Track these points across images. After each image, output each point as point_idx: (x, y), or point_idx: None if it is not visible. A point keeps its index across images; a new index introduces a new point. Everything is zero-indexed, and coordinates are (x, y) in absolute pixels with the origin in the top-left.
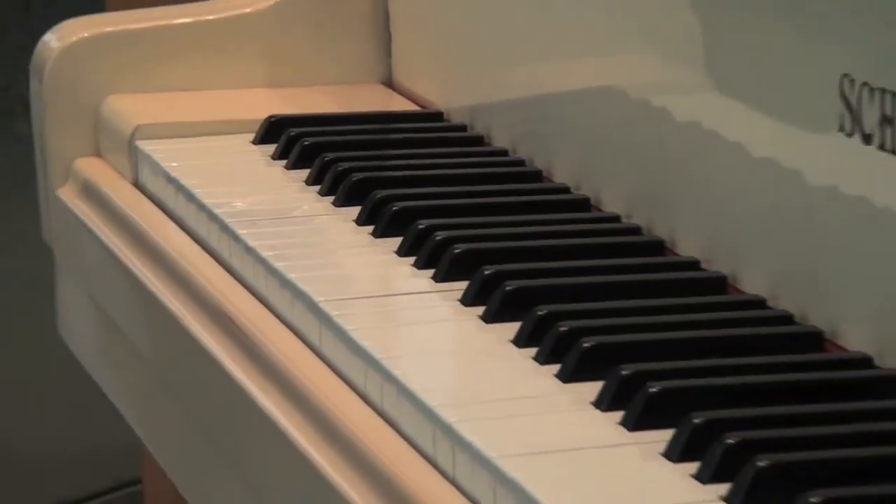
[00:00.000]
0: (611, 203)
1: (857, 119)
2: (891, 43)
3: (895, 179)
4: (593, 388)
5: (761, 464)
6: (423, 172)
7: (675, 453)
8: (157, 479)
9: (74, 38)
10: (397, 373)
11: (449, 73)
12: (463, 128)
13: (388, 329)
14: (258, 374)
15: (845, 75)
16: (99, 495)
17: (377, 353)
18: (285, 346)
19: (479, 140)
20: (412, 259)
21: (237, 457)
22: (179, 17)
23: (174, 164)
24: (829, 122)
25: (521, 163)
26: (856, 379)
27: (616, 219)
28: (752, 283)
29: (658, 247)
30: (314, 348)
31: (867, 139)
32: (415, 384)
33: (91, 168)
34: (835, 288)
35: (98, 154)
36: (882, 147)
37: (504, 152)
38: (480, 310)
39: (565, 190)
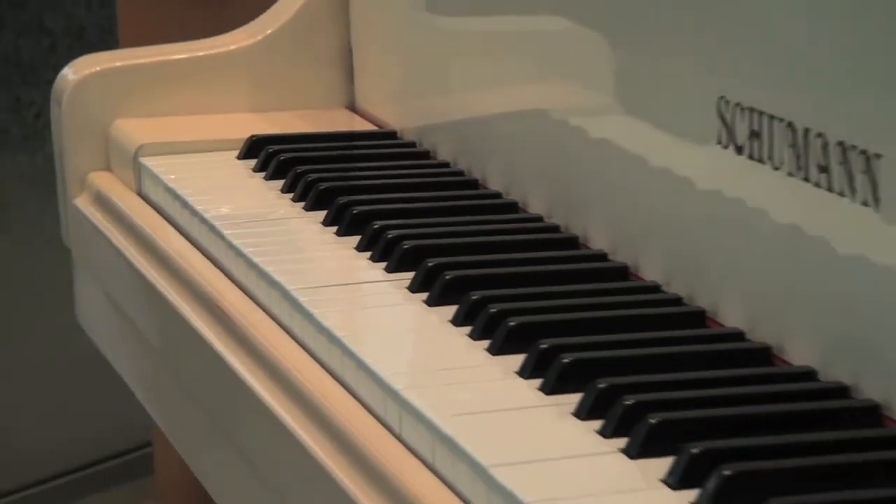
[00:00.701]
0: (535, 206)
1: (731, 133)
2: (758, 70)
3: (761, 182)
4: (517, 360)
5: (653, 421)
6: (379, 182)
7: (583, 413)
8: (165, 442)
9: (87, 72)
10: (355, 348)
11: (401, 99)
12: (413, 144)
13: (348, 312)
14: (241, 351)
15: (721, 97)
16: (117, 456)
17: (338, 332)
18: (263, 327)
19: (426, 154)
20: (368, 254)
21: (224, 420)
22: (175, 53)
23: (171, 177)
24: (709, 137)
25: (460, 173)
26: (731, 350)
27: (539, 219)
28: (649, 271)
29: (573, 242)
30: (286, 328)
31: (739, 150)
32: (369, 357)
33: (102, 181)
34: (715, 274)
35: (108, 169)
36: (751, 157)
37: (446, 164)
38: (425, 295)
39: (497, 195)
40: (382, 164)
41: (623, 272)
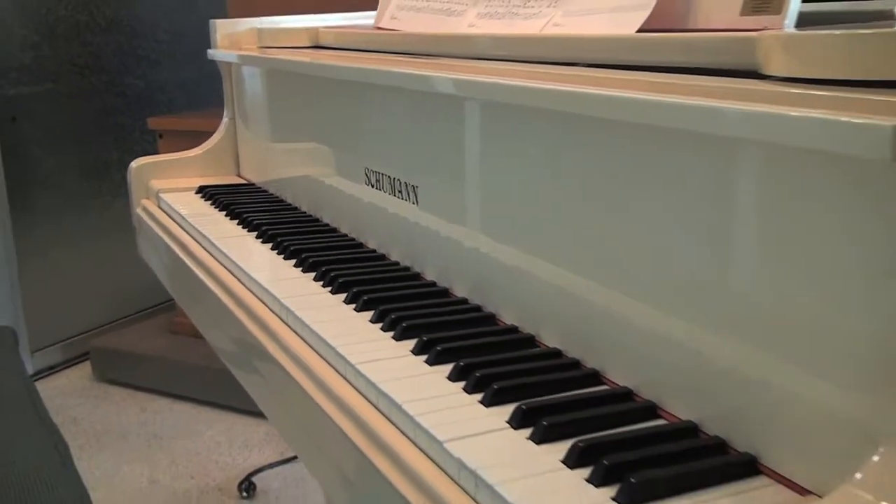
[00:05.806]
0: (307, 210)
1: (370, 179)
2: (377, 158)
3: (383, 199)
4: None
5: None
6: (248, 201)
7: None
8: None
9: (141, 163)
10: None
11: (257, 170)
12: (266, 190)
13: (241, 249)
14: (208, 277)
15: (366, 168)
16: (162, 303)
17: (236, 258)
18: (205, 255)
19: (265, 191)
20: (247, 229)
21: (197, 295)
22: (173, 156)
23: (171, 201)
24: (362, 181)
25: (281, 199)
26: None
27: (309, 215)
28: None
29: (331, 229)
30: (213, 255)
31: (373, 186)
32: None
33: (146, 203)
34: (374, 232)
35: (148, 198)
36: (378, 189)
37: (274, 195)
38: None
39: (295, 207)
40: (250, 195)
41: (357, 245)
